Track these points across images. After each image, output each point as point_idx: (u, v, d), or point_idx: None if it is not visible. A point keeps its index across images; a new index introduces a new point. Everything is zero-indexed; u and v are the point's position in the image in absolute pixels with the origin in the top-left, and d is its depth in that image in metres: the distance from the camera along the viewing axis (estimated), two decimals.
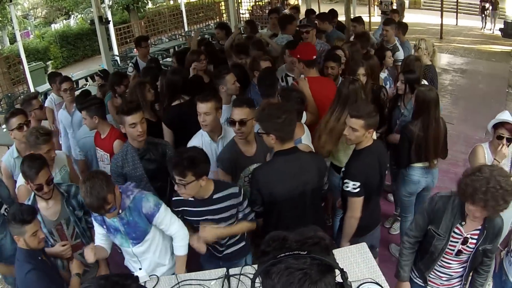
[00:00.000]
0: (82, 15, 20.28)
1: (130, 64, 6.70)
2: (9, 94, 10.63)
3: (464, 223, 2.60)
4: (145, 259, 2.95)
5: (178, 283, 2.80)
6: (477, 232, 2.60)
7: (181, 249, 2.92)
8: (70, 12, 22.53)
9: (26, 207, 2.68)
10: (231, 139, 3.31)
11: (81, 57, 17.80)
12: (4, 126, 7.54)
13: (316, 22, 7.15)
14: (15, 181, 3.61)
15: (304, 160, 2.95)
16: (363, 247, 2.97)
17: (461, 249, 2.65)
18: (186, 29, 16.47)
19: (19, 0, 18.89)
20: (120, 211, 2.75)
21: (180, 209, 2.89)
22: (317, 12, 8.37)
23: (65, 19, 22.92)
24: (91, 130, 4.00)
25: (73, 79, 10.30)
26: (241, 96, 4.54)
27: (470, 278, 2.88)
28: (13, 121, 3.88)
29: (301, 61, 4.29)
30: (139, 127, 3.34)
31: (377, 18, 16.33)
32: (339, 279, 1.24)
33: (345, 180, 3.01)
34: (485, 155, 3.50)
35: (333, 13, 7.63)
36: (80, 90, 6.95)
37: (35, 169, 2.91)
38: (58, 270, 2.99)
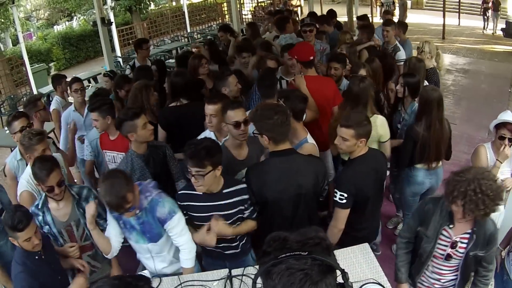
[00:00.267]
0: (85, 17, 20.31)
1: (128, 67, 6.71)
2: (12, 96, 10.65)
3: (452, 226, 2.56)
4: (159, 256, 2.95)
5: (181, 283, 2.81)
6: (467, 236, 2.55)
7: (188, 262, 2.90)
8: (73, 14, 22.58)
9: (20, 215, 2.59)
10: (222, 144, 3.30)
11: (84, 59, 17.80)
12: (6, 128, 7.62)
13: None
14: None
15: (299, 163, 2.91)
16: (365, 247, 2.97)
17: (450, 253, 2.60)
18: (188, 30, 16.48)
19: (21, 2, 18.91)
20: (138, 211, 2.74)
21: (185, 204, 2.86)
22: (320, 13, 8.40)
23: (68, 20, 22.96)
24: (102, 131, 3.97)
25: None
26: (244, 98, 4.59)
27: None
28: (16, 124, 3.90)
29: (298, 62, 4.29)
30: (148, 125, 3.41)
31: (379, 19, 16.30)
32: (340, 279, 1.25)
33: (335, 190, 2.96)
34: (487, 156, 3.50)
35: (331, 14, 7.64)
36: (93, 90, 6.87)
37: (46, 170, 2.90)
38: (60, 268, 2.97)
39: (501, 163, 3.40)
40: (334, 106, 4.19)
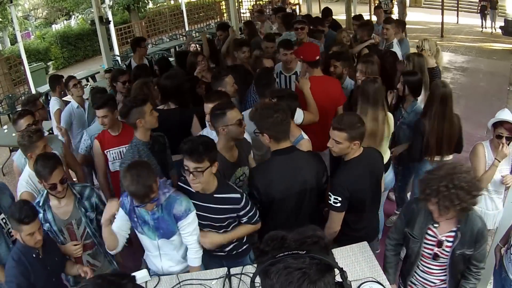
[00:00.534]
0: (83, 16, 20.28)
1: (123, 66, 6.71)
2: (10, 95, 10.62)
3: (437, 225, 2.54)
4: (167, 254, 2.94)
5: (179, 282, 2.81)
6: (452, 234, 2.52)
7: (196, 261, 2.92)
8: (71, 13, 22.52)
9: (27, 208, 2.66)
10: None
11: (82, 58, 17.77)
12: (5, 127, 7.61)
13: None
14: None
15: (302, 159, 2.94)
16: (364, 246, 2.97)
17: (437, 252, 2.58)
18: (187, 29, 16.46)
19: (19, 1, 18.87)
20: (155, 207, 2.73)
21: None
22: (318, 11, 8.38)
23: (66, 19, 22.91)
24: (110, 127, 3.91)
25: None
26: (242, 97, 4.58)
27: None
28: (21, 122, 3.89)
29: (304, 62, 4.28)
30: (154, 112, 3.50)
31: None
32: (339, 278, 1.25)
33: (329, 193, 2.94)
34: (485, 154, 3.50)
35: (326, 12, 7.59)
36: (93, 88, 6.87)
37: (48, 168, 2.90)
38: (57, 271, 2.97)
39: (499, 161, 3.40)
40: (339, 106, 4.21)
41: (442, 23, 14.74)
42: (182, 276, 2.86)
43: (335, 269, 1.20)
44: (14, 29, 11.54)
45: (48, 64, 15.33)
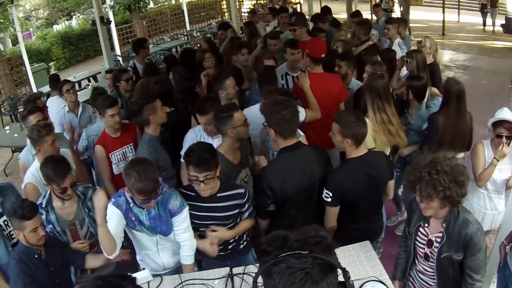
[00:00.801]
0: (84, 16, 20.28)
1: (129, 68, 6.69)
2: (12, 96, 10.63)
3: (427, 224, 2.53)
4: (165, 247, 2.95)
5: (182, 282, 2.81)
6: (440, 235, 2.45)
7: (188, 259, 2.93)
8: (72, 13, 22.56)
9: (28, 203, 2.68)
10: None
11: (84, 58, 17.78)
12: (7, 127, 7.62)
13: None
14: None
15: (309, 153, 3.00)
16: (366, 245, 2.97)
17: (428, 252, 2.54)
18: (188, 29, 16.46)
19: (20, 1, 18.88)
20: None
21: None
22: (320, 10, 8.32)
23: (67, 20, 22.94)
24: (118, 126, 3.87)
25: (76, 80, 10.38)
26: (240, 97, 4.58)
27: None
28: (31, 119, 3.88)
29: (308, 56, 4.28)
30: (163, 107, 3.64)
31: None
32: (341, 278, 1.24)
33: (324, 187, 2.96)
34: (485, 153, 3.50)
35: (325, 12, 7.54)
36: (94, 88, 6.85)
37: (62, 173, 2.91)
38: (61, 271, 2.98)
39: (498, 161, 3.39)
40: (341, 103, 4.20)
41: (443, 21, 14.69)
42: (185, 276, 2.86)
43: (338, 269, 1.20)
44: (15, 29, 11.53)
45: (50, 64, 15.32)
